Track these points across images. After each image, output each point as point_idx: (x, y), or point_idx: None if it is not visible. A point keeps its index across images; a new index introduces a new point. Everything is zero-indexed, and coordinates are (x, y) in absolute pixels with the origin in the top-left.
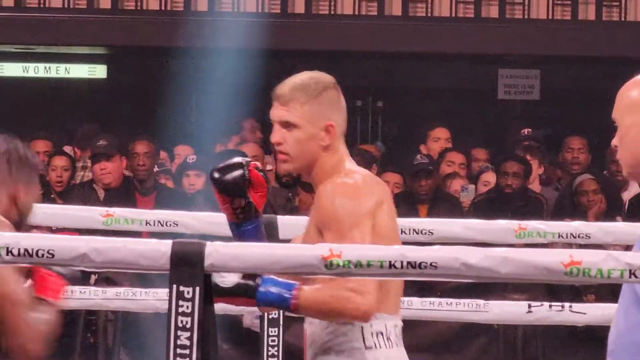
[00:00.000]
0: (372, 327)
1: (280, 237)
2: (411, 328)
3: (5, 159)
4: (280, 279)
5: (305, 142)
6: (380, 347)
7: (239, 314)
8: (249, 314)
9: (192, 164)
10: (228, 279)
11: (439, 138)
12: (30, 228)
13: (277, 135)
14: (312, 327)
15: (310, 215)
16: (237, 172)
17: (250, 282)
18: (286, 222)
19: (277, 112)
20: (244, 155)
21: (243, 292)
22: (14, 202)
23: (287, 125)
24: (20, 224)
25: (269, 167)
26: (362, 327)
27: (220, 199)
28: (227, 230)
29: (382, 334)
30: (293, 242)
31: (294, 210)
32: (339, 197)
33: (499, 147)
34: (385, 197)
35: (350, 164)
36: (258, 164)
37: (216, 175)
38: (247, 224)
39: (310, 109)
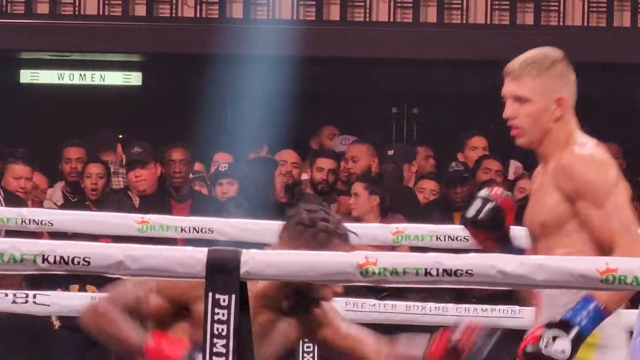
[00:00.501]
0: None
1: None
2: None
3: None
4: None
5: (537, 115)
6: None
7: None
8: None
9: (225, 172)
10: None
11: (476, 147)
12: None
13: (510, 110)
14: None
15: (548, 183)
16: (490, 206)
17: None
18: None
19: (508, 88)
20: (274, 163)
21: None
22: None
23: (518, 99)
24: None
25: (304, 176)
26: None
27: (477, 235)
28: (262, 237)
29: None
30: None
31: None
32: (591, 168)
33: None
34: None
35: (581, 135)
36: (500, 190)
37: (470, 215)
38: (506, 247)
39: (541, 82)
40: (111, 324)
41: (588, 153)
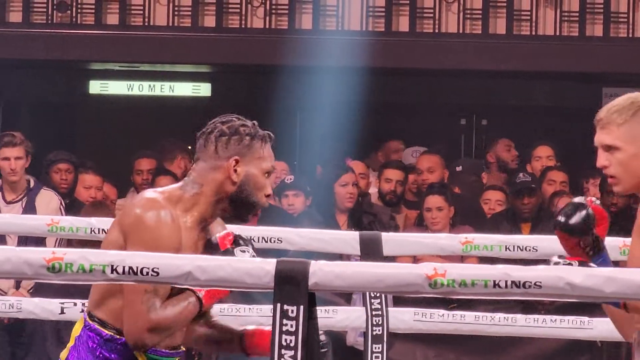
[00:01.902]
0: None
1: (384, 254)
2: (514, 344)
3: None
4: None
5: (629, 162)
6: None
7: (342, 331)
8: (352, 331)
9: (291, 184)
10: None
11: (541, 157)
12: None
13: (602, 158)
14: None
15: None
16: (583, 212)
17: None
18: (390, 239)
19: (598, 137)
20: (351, 170)
21: None
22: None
23: (608, 148)
24: None
25: (372, 189)
26: None
27: (569, 241)
28: (331, 247)
29: None
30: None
31: (397, 228)
32: None
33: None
34: None
35: None
36: (594, 198)
37: (562, 219)
38: (596, 258)
39: (627, 129)
40: (174, 318)
41: None
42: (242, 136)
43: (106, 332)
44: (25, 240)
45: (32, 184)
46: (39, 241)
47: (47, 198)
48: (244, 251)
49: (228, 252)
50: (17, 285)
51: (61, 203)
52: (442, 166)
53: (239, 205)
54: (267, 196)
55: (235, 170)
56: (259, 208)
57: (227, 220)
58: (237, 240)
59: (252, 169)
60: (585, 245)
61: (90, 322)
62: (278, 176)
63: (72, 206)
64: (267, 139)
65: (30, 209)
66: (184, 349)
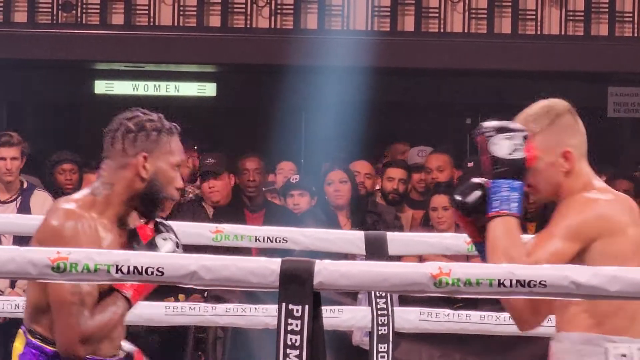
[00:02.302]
0: (615, 349)
1: (389, 254)
2: (520, 344)
3: None
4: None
5: (545, 172)
6: None
7: (348, 330)
8: (358, 330)
9: (296, 183)
10: None
11: None
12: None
13: None
14: (559, 345)
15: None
16: (478, 193)
17: None
18: (395, 238)
19: None
20: (344, 168)
21: None
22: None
23: None
24: None
25: (377, 187)
26: (606, 349)
27: (463, 220)
28: (336, 246)
29: (625, 356)
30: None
31: (401, 228)
32: (566, 208)
33: (607, 165)
34: (630, 220)
35: (599, 183)
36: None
37: (458, 197)
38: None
39: (544, 137)
40: (102, 326)
41: (583, 197)
42: (148, 132)
43: (49, 348)
44: (20, 240)
45: (25, 184)
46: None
47: (42, 198)
48: (165, 239)
49: (151, 243)
50: (13, 285)
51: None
52: (452, 165)
53: (149, 201)
54: (178, 189)
55: (144, 167)
56: (169, 201)
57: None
58: (158, 228)
59: (161, 163)
60: (477, 226)
61: (32, 339)
62: (286, 175)
63: None
64: (173, 131)
65: (24, 209)
66: (122, 354)
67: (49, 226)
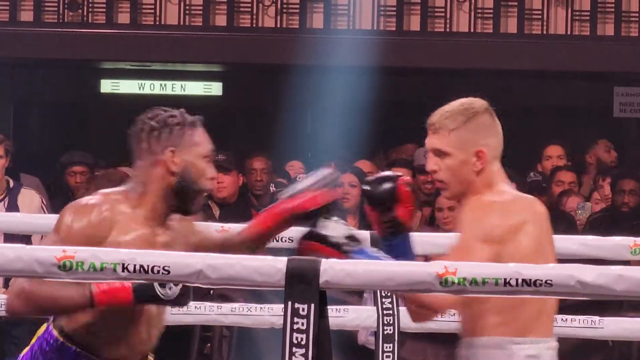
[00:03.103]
0: (521, 351)
1: None
2: None
3: None
4: None
5: (457, 169)
6: None
7: (354, 330)
8: (364, 330)
9: None
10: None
11: (551, 156)
12: None
13: (431, 163)
14: (467, 352)
15: None
16: (387, 185)
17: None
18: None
19: (429, 140)
20: (360, 171)
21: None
22: None
23: (439, 153)
24: None
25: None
26: (512, 351)
27: (370, 211)
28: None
29: (534, 357)
30: None
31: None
32: (470, 212)
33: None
34: (530, 218)
35: (504, 186)
36: (409, 179)
37: (366, 187)
38: (395, 238)
39: (458, 135)
40: (46, 297)
41: (481, 200)
42: (171, 127)
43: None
44: (12, 237)
45: (12, 183)
46: (24, 238)
47: (29, 197)
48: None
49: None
50: (6, 284)
51: (42, 201)
52: None
53: (183, 195)
54: (211, 179)
55: (174, 161)
56: (204, 193)
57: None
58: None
59: (189, 156)
60: (385, 220)
61: (52, 326)
62: (295, 174)
63: None
64: (197, 124)
65: (12, 208)
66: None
67: (60, 217)
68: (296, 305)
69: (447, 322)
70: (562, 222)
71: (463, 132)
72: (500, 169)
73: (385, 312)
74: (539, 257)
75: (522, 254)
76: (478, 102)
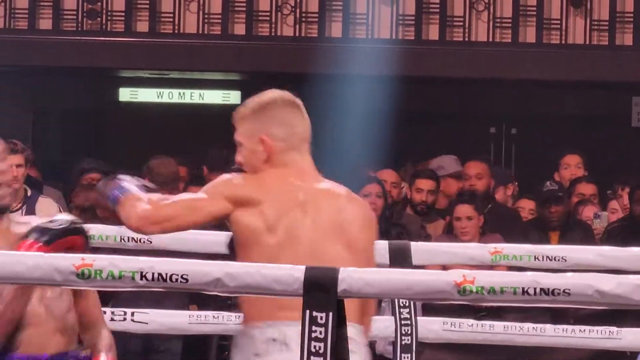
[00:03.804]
0: (262, 334)
1: (413, 263)
2: (543, 354)
3: None
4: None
5: (249, 157)
6: (269, 353)
7: (372, 340)
8: (381, 340)
9: None
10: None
11: (569, 165)
12: None
13: (238, 155)
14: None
15: None
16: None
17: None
18: (419, 248)
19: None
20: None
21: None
22: None
23: (239, 144)
24: None
25: (403, 195)
26: (254, 336)
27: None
28: None
29: (275, 340)
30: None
31: (428, 237)
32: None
33: (631, 174)
34: (266, 199)
35: (293, 178)
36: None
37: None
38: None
39: (246, 125)
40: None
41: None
42: None
43: None
44: None
45: (29, 192)
46: None
47: (47, 205)
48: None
49: None
50: None
51: (60, 210)
52: (489, 174)
53: None
54: None
55: None
56: None
57: None
58: None
59: None
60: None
61: None
62: None
63: None
64: None
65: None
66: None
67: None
68: (314, 313)
69: (464, 332)
70: (579, 231)
71: (250, 122)
72: (303, 160)
73: (403, 322)
74: (271, 239)
75: (246, 231)
76: (273, 94)
